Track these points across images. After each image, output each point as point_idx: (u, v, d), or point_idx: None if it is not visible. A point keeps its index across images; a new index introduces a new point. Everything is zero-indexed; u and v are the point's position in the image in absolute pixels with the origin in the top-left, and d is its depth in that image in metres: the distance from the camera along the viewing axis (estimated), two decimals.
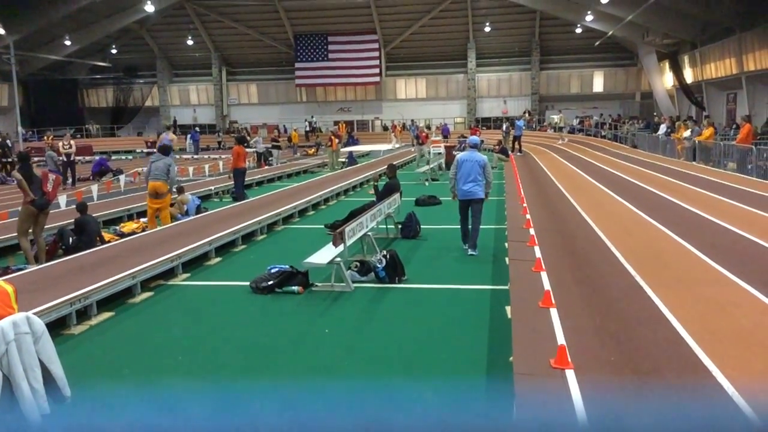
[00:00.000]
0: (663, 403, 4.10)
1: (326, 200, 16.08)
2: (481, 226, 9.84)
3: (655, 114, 36.29)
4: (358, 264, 8.39)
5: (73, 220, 10.67)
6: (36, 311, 5.41)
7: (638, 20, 31.92)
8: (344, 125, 43.59)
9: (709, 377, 4.42)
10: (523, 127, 32.21)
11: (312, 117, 46.77)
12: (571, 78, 46.18)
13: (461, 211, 10.01)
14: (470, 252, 9.72)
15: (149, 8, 39.77)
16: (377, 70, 46.88)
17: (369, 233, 9.39)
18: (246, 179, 17.03)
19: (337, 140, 26.91)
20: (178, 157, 33.19)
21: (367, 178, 20.00)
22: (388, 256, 8.29)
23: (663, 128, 27.43)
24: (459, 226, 10.12)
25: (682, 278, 7.06)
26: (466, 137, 33.79)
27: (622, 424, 3.85)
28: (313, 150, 35.70)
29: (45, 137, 38.27)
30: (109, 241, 10.64)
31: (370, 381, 5.27)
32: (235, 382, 5.34)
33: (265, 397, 5.02)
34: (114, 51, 48.29)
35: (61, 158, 20.36)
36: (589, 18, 36.99)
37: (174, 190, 12.42)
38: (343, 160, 27.66)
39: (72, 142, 22.19)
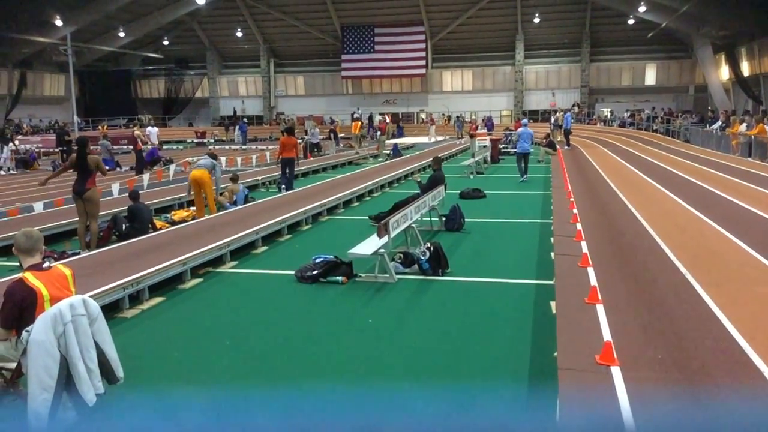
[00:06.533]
0: (711, 402, 4.01)
1: (371, 192, 16.14)
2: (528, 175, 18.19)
3: (709, 108, 35.22)
4: (401, 255, 8.42)
5: (126, 207, 10.99)
6: (91, 294, 5.60)
7: (693, 11, 31.00)
8: (390, 117, 43.70)
9: (760, 378, 4.30)
10: (571, 120, 31.68)
11: (358, 109, 46.99)
12: (623, 70, 45.18)
13: (518, 160, 18.46)
14: (522, 179, 17.93)
15: (200, 0, 40.52)
16: (423, 62, 46.71)
17: (413, 225, 9.41)
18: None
19: (380, 132, 27.06)
20: (227, 147, 33.86)
21: (412, 171, 20.01)
22: (431, 249, 8.29)
23: (718, 123, 26.62)
24: (501, 219, 12.39)
25: (734, 277, 6.87)
26: (512, 130, 33.52)
27: (668, 422, 3.80)
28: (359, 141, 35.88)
29: (100, 127, 39.49)
30: (160, 229, 10.93)
31: (411, 373, 5.30)
32: (279, 370, 5.44)
33: (309, 386, 5.11)
34: (166, 43, 49.42)
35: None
36: (642, 9, 36.09)
37: (216, 180, 12.80)
38: (388, 152, 27.73)
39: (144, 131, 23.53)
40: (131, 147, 24.46)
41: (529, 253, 9.34)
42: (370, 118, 42.05)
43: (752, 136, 21.03)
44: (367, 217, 12.22)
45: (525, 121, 20.87)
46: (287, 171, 16.01)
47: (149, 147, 25.03)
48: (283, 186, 16.01)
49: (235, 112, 50.04)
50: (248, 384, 5.15)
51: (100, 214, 10.21)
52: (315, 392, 4.97)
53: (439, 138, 39.09)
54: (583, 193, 13.67)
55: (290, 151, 15.87)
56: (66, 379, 3.97)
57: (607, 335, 5.04)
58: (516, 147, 19.63)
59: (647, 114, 39.93)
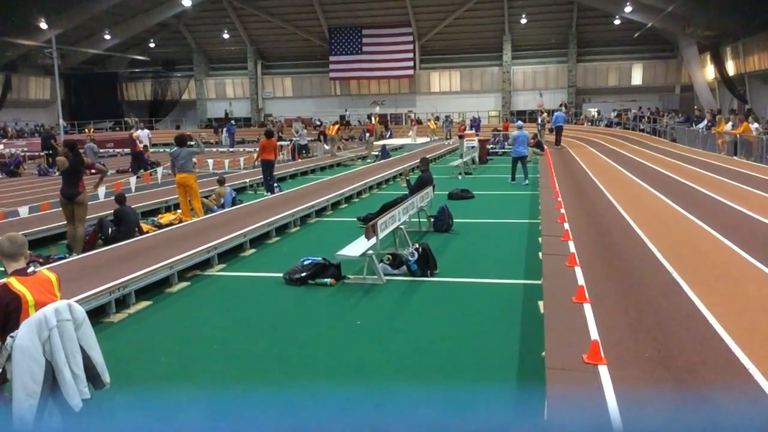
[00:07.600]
0: (698, 400, 4.04)
1: (359, 193, 16.13)
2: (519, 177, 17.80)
3: (695, 107, 35.45)
4: (390, 257, 8.41)
5: (112, 211, 10.91)
6: (77, 299, 5.56)
7: (679, 11, 31.23)
8: (377, 119, 43.69)
9: (746, 376, 4.33)
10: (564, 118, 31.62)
11: (346, 111, 46.91)
12: (609, 70, 45.43)
13: (513, 162, 17.89)
14: (525, 183, 17.32)
15: (186, 2, 40.44)
16: (411, 63, 46.77)
17: (401, 226, 9.40)
18: (280, 172, 17.14)
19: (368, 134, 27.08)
20: (215, 150, 33.73)
21: (400, 172, 20.00)
22: (420, 250, 8.30)
23: (703, 122, 26.85)
24: (489, 220, 12.45)
25: (721, 275, 6.92)
26: (499, 130, 33.55)
27: (655, 420, 3.81)
28: (343, 143, 35.85)
29: (86, 130, 39.23)
30: (147, 232, 10.85)
31: (401, 373, 5.30)
32: (268, 373, 5.42)
33: (298, 388, 5.09)
34: (152, 45, 49.19)
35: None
36: (628, 9, 36.34)
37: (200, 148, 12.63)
38: (376, 153, 27.73)
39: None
40: (129, 150, 24.79)
41: (517, 253, 9.36)
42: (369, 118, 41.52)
43: (737, 135, 21.21)
44: (355, 219, 12.21)
45: (519, 123, 20.53)
46: (268, 173, 16.02)
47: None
48: (268, 192, 15.94)
49: (226, 114, 49.88)
50: (237, 387, 5.12)
51: (86, 217, 10.14)
52: (304, 394, 4.96)
53: (420, 140, 38.75)
54: (571, 192, 13.72)
55: (269, 153, 15.91)
56: (51, 384, 3.93)
57: (594, 334, 5.07)
58: (506, 147, 19.22)
59: (634, 113, 40.17)
